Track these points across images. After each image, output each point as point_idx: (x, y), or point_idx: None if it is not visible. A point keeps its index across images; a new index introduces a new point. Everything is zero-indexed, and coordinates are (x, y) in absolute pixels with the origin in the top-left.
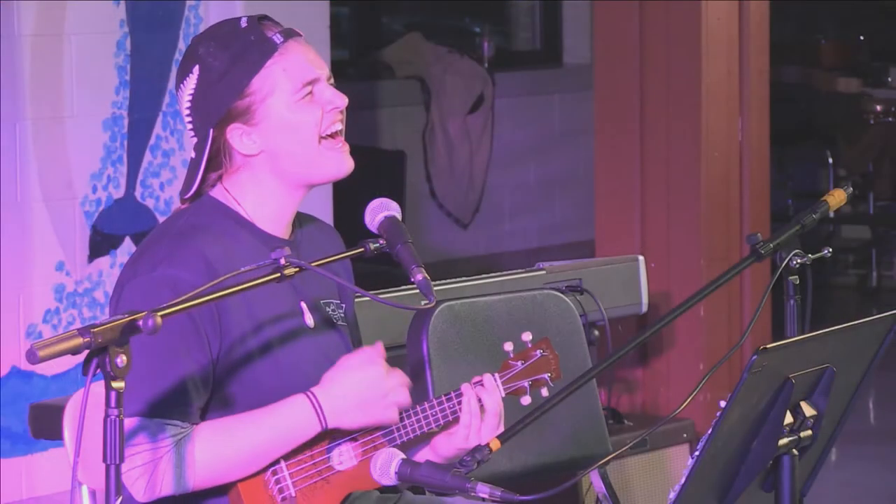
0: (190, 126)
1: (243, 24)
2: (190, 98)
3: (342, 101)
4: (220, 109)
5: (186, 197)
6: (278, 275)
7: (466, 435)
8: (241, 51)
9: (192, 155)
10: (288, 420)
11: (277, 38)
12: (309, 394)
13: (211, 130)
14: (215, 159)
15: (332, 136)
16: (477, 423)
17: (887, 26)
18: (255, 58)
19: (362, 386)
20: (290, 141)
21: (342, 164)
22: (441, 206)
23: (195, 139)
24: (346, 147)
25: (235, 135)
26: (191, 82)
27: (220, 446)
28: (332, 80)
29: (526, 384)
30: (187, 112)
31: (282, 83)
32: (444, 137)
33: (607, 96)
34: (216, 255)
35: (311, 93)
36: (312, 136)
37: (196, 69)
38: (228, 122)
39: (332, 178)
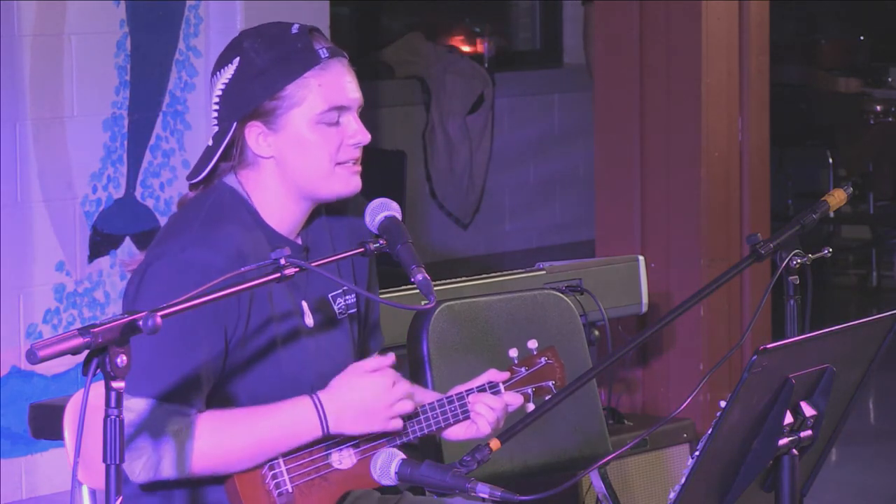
0: (215, 114)
1: (294, 30)
2: (223, 87)
3: (365, 137)
4: (248, 105)
5: (195, 182)
6: (279, 275)
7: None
8: (284, 54)
9: (210, 143)
10: (291, 419)
11: (323, 53)
12: (314, 396)
13: (234, 123)
14: (228, 151)
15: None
16: (494, 418)
17: (887, 26)
18: (296, 65)
19: (367, 394)
20: (301, 157)
21: (349, 182)
22: (441, 206)
23: (216, 128)
24: (358, 169)
25: (253, 133)
26: (228, 72)
27: (222, 437)
28: (361, 110)
29: (529, 391)
30: (217, 100)
31: (312, 98)
32: (444, 137)
33: (607, 96)
34: (244, 242)
35: (337, 120)
36: (325, 160)
37: (237, 61)
38: (251, 119)
39: (338, 197)
